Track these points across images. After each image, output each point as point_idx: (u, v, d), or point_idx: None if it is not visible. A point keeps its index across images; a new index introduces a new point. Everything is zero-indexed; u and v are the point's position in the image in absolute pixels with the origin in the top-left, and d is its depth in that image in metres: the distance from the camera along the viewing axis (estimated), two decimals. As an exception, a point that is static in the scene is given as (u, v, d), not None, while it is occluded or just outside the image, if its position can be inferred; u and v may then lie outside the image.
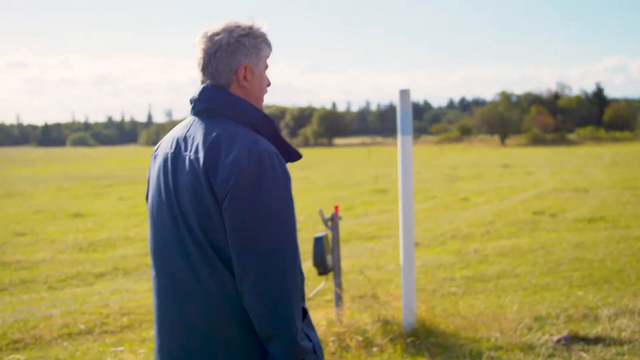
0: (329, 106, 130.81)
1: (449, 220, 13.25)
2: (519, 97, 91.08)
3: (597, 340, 5.19)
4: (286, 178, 2.05)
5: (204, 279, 2.06)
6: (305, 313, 2.21)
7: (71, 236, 12.37)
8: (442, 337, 5.29)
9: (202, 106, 2.18)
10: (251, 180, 1.97)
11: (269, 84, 2.31)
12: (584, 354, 4.91)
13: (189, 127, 2.18)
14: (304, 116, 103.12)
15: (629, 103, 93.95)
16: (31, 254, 10.49)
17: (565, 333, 5.28)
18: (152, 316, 6.61)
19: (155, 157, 2.30)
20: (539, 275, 7.88)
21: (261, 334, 2.01)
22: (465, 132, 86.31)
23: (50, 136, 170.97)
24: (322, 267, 5.31)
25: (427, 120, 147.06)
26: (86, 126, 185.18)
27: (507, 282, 7.66)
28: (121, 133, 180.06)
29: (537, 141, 73.61)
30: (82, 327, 6.31)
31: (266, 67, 2.27)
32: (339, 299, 5.58)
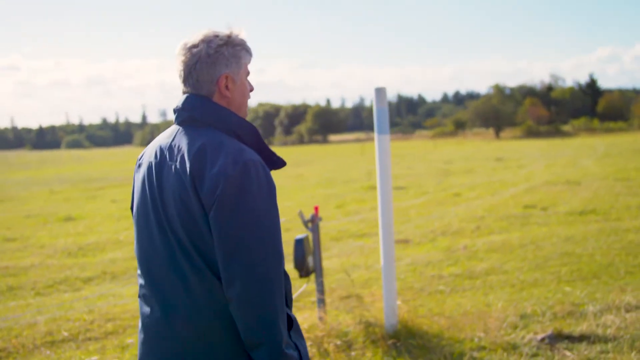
0: (323, 103, 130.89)
1: (440, 216, 13.20)
2: (512, 89, 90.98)
3: (581, 338, 5.15)
4: (270, 187, 2.08)
5: (191, 286, 2.09)
6: (292, 321, 2.22)
7: (61, 240, 12.30)
8: (424, 338, 5.24)
9: (186, 115, 2.20)
10: (237, 190, 2.00)
11: (251, 89, 2.32)
12: (567, 353, 4.87)
13: (173, 136, 2.21)
14: (298, 113, 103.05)
15: (623, 93, 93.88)
16: (19, 260, 10.43)
17: (549, 331, 5.23)
18: (136, 321, 6.59)
19: (139, 165, 2.31)
20: (527, 271, 7.84)
21: (247, 341, 2.03)
22: (460, 126, 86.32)
23: (44, 139, 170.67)
24: (303, 270, 5.26)
25: (421, 114, 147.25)
26: (81, 128, 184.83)
27: (496, 278, 7.62)
28: (116, 134, 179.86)
29: (531, 133, 73.67)
30: (66, 334, 6.25)
31: (247, 73, 2.29)
32: (320, 301, 5.53)
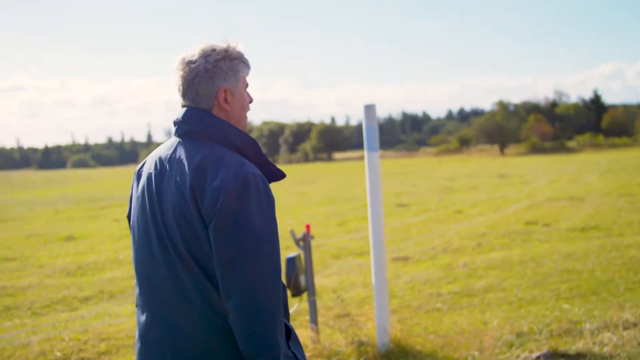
0: (327, 121, 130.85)
1: (441, 233, 13.14)
2: (516, 106, 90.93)
3: (578, 356, 5.08)
4: (270, 201, 2.11)
5: (189, 296, 2.11)
6: (290, 331, 2.23)
7: (60, 260, 12.26)
8: (417, 357, 5.18)
9: (186, 128, 2.22)
10: (237, 203, 2.02)
11: (251, 101, 2.35)
12: (563, 371, 4.80)
13: (173, 148, 2.22)
14: (302, 131, 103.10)
15: (627, 109, 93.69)
16: (18, 280, 10.40)
17: (545, 350, 5.17)
18: (131, 341, 6.54)
19: (138, 176, 2.34)
20: (526, 289, 7.77)
21: (244, 352, 2.04)
22: (464, 143, 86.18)
23: (50, 159, 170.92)
24: (295, 289, 5.21)
25: (426, 132, 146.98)
26: (86, 148, 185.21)
27: (494, 296, 7.55)
28: (121, 153, 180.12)
29: (536, 150, 73.49)
30: (59, 354, 6.20)
31: (246, 85, 2.32)
32: (312, 321, 5.48)
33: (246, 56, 2.31)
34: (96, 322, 7.46)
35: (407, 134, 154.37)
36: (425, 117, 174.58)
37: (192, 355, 2.11)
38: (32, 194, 40.79)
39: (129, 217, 2.38)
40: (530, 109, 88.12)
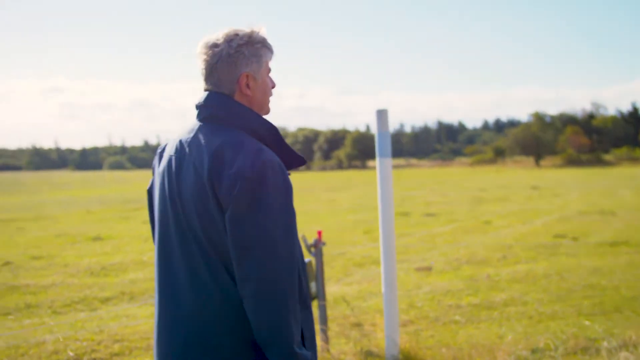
0: (362, 129, 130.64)
1: (468, 244, 12.98)
2: (552, 117, 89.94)
3: (592, 374, 4.94)
4: (287, 187, 2.09)
5: (202, 280, 2.11)
6: (309, 317, 2.21)
7: (86, 260, 12.36)
8: (426, 370, 5.09)
9: (207, 113, 2.22)
10: (254, 190, 2.01)
11: (273, 86, 2.34)
12: (576, 389, 4.67)
13: (194, 132, 2.22)
14: (337, 139, 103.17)
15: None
16: (42, 278, 10.50)
17: (559, 366, 5.04)
18: (145, 343, 6.54)
19: (160, 156, 2.35)
20: (548, 303, 7.61)
21: (259, 339, 2.03)
22: (500, 154, 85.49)
23: (87, 160, 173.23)
24: (305, 296, 5.15)
25: (461, 141, 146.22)
26: (123, 150, 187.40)
27: (514, 310, 7.41)
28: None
29: (572, 162, 72.57)
30: (71, 354, 6.22)
31: (269, 71, 2.31)
32: (323, 330, 5.41)
33: (269, 41, 2.30)
34: (113, 323, 7.48)
35: (442, 143, 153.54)
36: (461, 127, 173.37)
37: (199, 339, 2.10)
38: (67, 194, 41.36)
39: (149, 191, 2.41)
40: (567, 120, 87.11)
